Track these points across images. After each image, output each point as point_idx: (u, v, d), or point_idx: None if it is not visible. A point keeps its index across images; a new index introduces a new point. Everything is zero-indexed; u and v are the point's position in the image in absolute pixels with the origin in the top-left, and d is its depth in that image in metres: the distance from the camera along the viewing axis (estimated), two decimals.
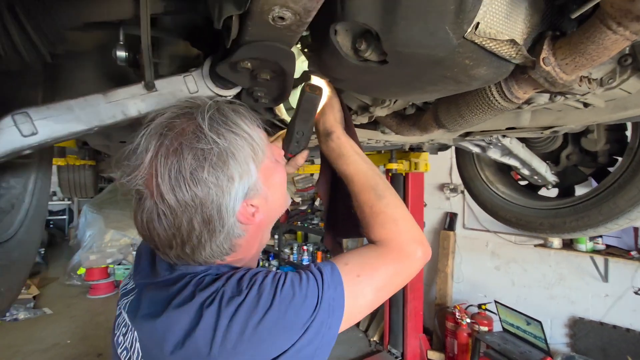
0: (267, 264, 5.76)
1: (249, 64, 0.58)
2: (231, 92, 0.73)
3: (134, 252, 5.50)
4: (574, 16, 0.57)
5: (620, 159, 1.39)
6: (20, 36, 0.49)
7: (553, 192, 1.73)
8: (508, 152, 1.52)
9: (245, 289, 0.51)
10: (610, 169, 1.49)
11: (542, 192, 1.80)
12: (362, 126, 1.31)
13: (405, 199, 3.67)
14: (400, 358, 3.68)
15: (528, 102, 0.98)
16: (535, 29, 0.63)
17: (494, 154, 1.56)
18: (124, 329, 0.61)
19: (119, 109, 0.60)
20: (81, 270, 5.21)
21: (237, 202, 0.54)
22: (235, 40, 0.52)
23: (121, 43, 0.67)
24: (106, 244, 5.50)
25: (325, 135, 0.78)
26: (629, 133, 1.44)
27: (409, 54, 0.55)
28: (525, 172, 1.60)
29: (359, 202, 0.71)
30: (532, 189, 1.81)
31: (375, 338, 4.07)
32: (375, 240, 0.67)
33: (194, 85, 0.68)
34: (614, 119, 1.09)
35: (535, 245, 3.29)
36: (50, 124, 0.53)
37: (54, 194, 8.33)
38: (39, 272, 5.90)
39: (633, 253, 2.80)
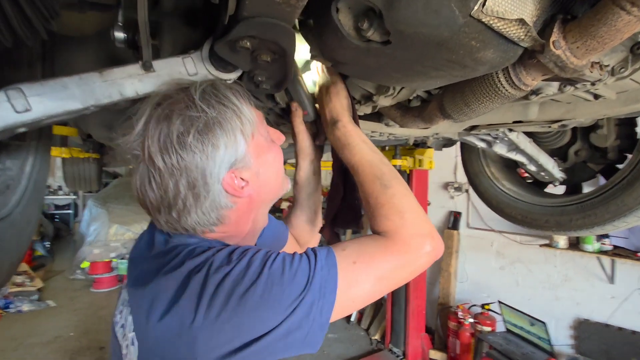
0: None
1: (248, 43, 0.56)
2: (232, 76, 0.71)
3: None
4: None
5: (630, 155, 1.36)
6: (13, 9, 0.48)
7: (560, 189, 1.70)
8: (515, 147, 1.49)
9: (235, 260, 0.51)
10: (619, 166, 1.46)
11: (549, 189, 1.77)
12: (365, 118, 1.29)
13: None
14: (401, 357, 3.66)
15: (536, 92, 0.96)
16: (545, 10, 0.61)
17: (500, 149, 1.53)
18: (121, 306, 0.62)
19: (116, 89, 0.58)
20: (85, 264, 5.25)
21: (221, 169, 0.55)
22: (233, 16, 0.50)
23: (120, 24, 0.66)
24: (110, 238, 5.54)
25: (332, 124, 0.76)
26: (639, 129, 1.41)
27: (412, 34, 0.53)
28: (532, 168, 1.57)
29: (365, 192, 0.69)
30: (538, 185, 1.78)
31: (377, 337, 4.05)
32: (379, 232, 0.64)
33: (192, 68, 0.67)
34: (625, 112, 1.06)
35: (541, 245, 3.25)
36: (44, 100, 0.52)
37: (60, 188, 8.40)
38: (44, 265, 5.96)
39: None
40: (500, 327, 3.33)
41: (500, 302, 3.28)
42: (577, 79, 0.69)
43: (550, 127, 1.23)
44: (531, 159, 1.50)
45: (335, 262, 0.54)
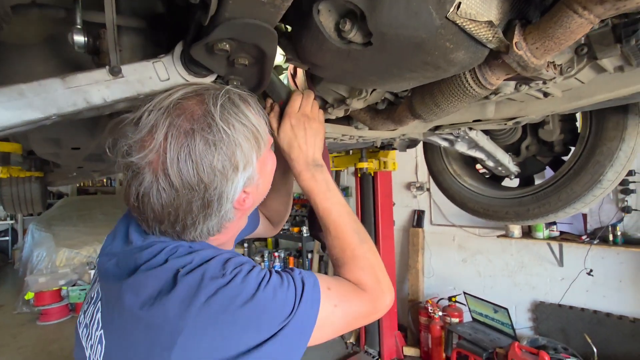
0: None
1: (227, 46, 0.54)
2: (205, 80, 0.68)
3: (91, 271, 5.10)
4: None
5: (573, 147, 1.50)
6: None
7: (515, 183, 1.83)
8: (474, 144, 1.58)
9: (230, 275, 0.50)
10: (565, 158, 1.60)
11: (506, 182, 1.90)
12: (336, 121, 1.30)
13: (374, 198, 3.73)
14: (377, 357, 3.71)
15: (496, 92, 1.03)
16: (506, 15, 0.66)
17: (461, 147, 1.62)
18: (86, 305, 0.62)
19: (81, 96, 0.53)
20: (29, 295, 4.72)
21: (237, 190, 0.56)
22: (213, 17, 0.48)
23: (78, 27, 0.61)
24: (58, 264, 5.05)
25: (313, 166, 0.74)
26: (578, 124, 1.56)
27: (393, 35, 0.54)
28: (490, 163, 1.68)
29: (341, 241, 0.70)
30: (496, 180, 1.90)
31: (352, 340, 4.07)
32: (350, 280, 0.67)
33: (164, 72, 0.63)
34: (569, 109, 1.17)
35: (498, 236, 3.47)
36: None
37: None
38: None
39: (584, 237, 3.04)
40: (467, 318, 3.49)
41: (465, 292, 3.45)
42: (535, 78, 0.74)
43: (506, 124, 1.32)
44: (489, 155, 1.60)
45: (319, 298, 0.56)
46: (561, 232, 3.24)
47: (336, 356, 3.83)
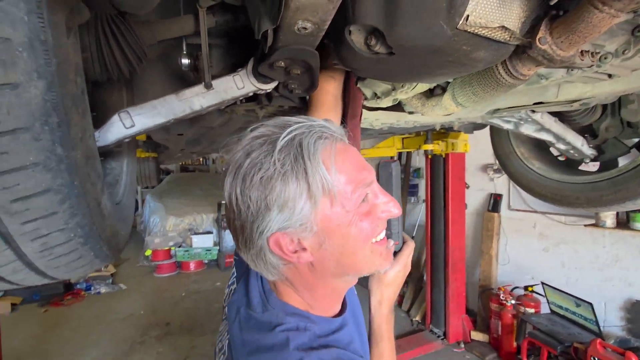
0: None
1: (282, 63, 0.73)
2: (270, 86, 0.89)
3: (192, 236, 6.09)
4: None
5: None
6: (109, 57, 0.68)
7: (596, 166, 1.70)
8: (541, 127, 1.53)
9: None
10: None
11: (584, 167, 1.77)
12: (389, 108, 1.41)
13: (445, 180, 3.67)
14: (442, 337, 3.75)
15: (546, 77, 1.03)
16: (533, 12, 0.71)
17: (527, 129, 1.57)
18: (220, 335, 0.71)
19: (187, 105, 0.78)
20: (148, 252, 5.88)
21: (269, 229, 0.52)
22: (270, 46, 0.67)
23: (184, 53, 0.86)
24: (168, 229, 6.14)
25: (392, 311, 0.79)
26: None
27: (411, 46, 0.66)
28: (561, 146, 1.59)
29: None
30: (572, 164, 1.78)
31: (418, 318, 4.16)
32: None
33: (240, 82, 0.85)
34: None
35: (586, 225, 3.14)
36: (142, 118, 0.73)
37: None
38: None
39: None
40: (545, 309, 3.29)
41: (543, 283, 3.24)
42: (569, 66, 0.77)
43: (571, 106, 1.27)
44: (558, 137, 1.53)
45: None
46: None
47: (401, 331, 3.97)
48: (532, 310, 3.30)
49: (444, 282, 3.72)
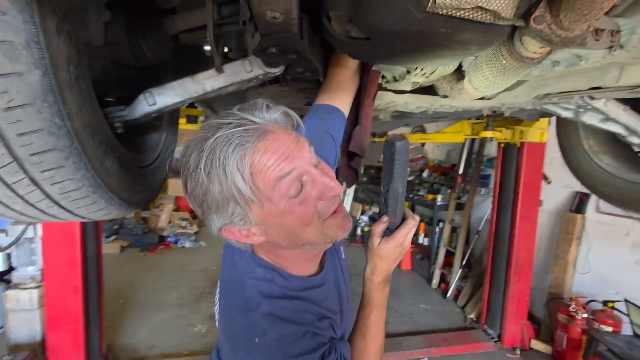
0: None
1: (273, 49, 0.80)
2: (277, 69, 0.96)
3: None
4: None
5: None
6: (136, 46, 0.84)
7: None
8: (606, 116, 1.31)
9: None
10: None
11: None
12: (420, 92, 1.36)
13: (517, 172, 3.32)
14: (496, 339, 3.51)
15: (584, 58, 0.91)
16: None
17: (590, 119, 1.37)
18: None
19: (201, 87, 0.91)
20: None
21: (215, 226, 0.61)
22: (255, 34, 0.74)
23: (207, 40, 0.98)
24: None
25: (387, 281, 0.80)
26: None
27: (385, 31, 0.66)
28: (634, 140, 1.34)
29: (368, 350, 0.80)
30: None
31: (472, 316, 3.95)
32: None
33: (249, 66, 0.94)
34: None
35: None
36: (162, 97, 0.88)
37: None
38: (197, 217, 7.73)
39: None
40: (626, 331, 2.84)
41: (627, 300, 2.77)
42: (579, 47, 0.67)
43: (638, 92, 1.08)
44: (629, 129, 1.29)
45: None
46: None
47: (451, 325, 3.83)
48: (609, 329, 2.87)
49: (505, 283, 3.45)
